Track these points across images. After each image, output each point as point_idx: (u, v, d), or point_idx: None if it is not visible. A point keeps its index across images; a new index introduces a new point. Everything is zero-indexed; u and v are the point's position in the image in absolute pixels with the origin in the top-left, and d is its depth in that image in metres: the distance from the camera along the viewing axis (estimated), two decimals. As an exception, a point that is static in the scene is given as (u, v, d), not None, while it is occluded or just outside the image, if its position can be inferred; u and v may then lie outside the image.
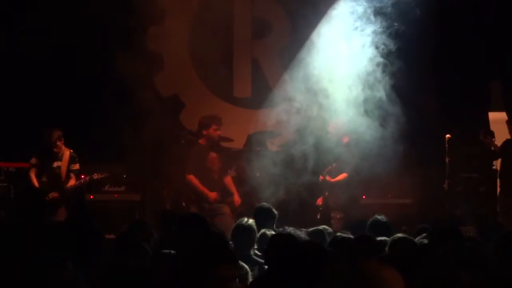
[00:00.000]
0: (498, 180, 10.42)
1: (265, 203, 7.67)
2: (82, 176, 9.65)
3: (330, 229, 6.99)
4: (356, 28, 9.53)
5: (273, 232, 6.52)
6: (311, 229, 6.80)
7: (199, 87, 11.85)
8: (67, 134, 9.59)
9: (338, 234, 6.03)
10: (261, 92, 11.34)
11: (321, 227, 6.92)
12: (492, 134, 10.20)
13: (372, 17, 9.42)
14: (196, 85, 11.83)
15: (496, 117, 10.71)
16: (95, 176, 9.48)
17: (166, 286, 3.84)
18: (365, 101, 9.46)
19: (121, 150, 10.57)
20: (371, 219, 6.88)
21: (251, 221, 6.46)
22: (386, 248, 5.68)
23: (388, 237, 5.95)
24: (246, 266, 5.55)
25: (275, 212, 7.30)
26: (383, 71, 9.45)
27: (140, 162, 10.69)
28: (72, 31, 10.67)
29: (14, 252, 4.00)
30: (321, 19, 9.97)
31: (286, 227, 6.48)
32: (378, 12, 9.40)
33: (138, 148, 10.56)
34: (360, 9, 9.46)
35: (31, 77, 10.78)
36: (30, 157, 9.50)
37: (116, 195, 10.49)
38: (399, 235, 5.75)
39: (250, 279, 5.43)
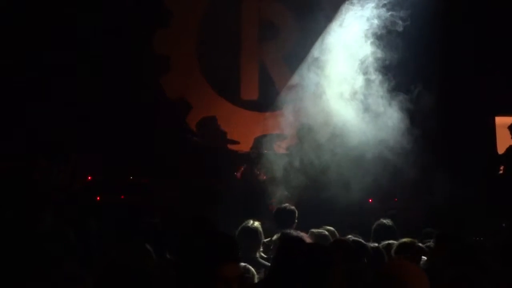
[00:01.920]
0: None
1: (287, 204, 7.64)
2: (89, 178, 9.65)
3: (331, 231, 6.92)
4: (365, 29, 9.52)
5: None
6: (317, 232, 6.75)
7: (206, 89, 11.85)
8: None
9: (349, 236, 6.02)
10: (268, 94, 11.35)
11: (328, 230, 6.86)
12: None
13: (380, 17, 9.42)
14: (203, 88, 11.84)
15: (503, 122, 10.64)
16: None
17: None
18: (374, 104, 9.45)
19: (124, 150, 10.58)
20: (376, 223, 6.86)
21: (256, 223, 6.42)
22: (392, 252, 5.69)
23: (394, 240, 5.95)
24: (253, 269, 5.51)
25: (296, 213, 7.28)
26: (392, 74, 9.45)
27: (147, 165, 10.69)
28: (75, 33, 10.69)
29: (17, 250, 4.01)
30: (329, 21, 9.96)
31: (291, 230, 6.41)
32: (386, 12, 9.40)
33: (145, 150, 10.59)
34: (368, 11, 9.46)
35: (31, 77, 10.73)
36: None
37: (122, 197, 10.48)
38: (405, 239, 5.74)
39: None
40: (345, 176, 9.32)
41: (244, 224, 6.47)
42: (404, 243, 5.68)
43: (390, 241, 6.05)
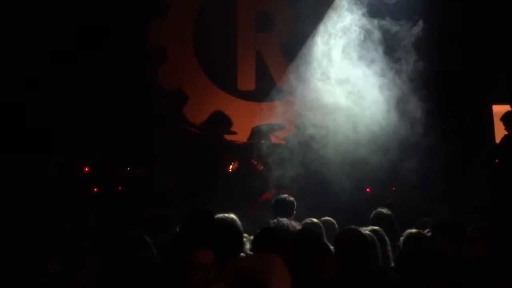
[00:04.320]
0: None
1: (286, 195, 7.62)
2: (86, 169, 9.64)
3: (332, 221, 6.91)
4: (361, 18, 9.51)
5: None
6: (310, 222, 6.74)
7: (203, 79, 11.85)
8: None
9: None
10: (265, 84, 11.36)
11: (327, 221, 6.85)
12: None
13: (375, 6, 9.41)
14: (200, 78, 11.83)
15: (501, 110, 10.61)
16: None
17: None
18: (371, 93, 9.44)
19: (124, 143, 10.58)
20: (374, 212, 6.86)
21: (234, 216, 6.36)
22: (399, 243, 5.67)
23: (391, 229, 5.95)
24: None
25: (295, 204, 7.26)
26: (388, 62, 9.44)
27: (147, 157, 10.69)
28: (73, 30, 10.65)
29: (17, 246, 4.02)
30: (324, 10, 9.95)
31: (282, 219, 6.37)
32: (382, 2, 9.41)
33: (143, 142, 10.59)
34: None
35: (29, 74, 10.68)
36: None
37: (120, 188, 10.49)
38: (413, 230, 5.71)
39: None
40: (343, 166, 9.35)
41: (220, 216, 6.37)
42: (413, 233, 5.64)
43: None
